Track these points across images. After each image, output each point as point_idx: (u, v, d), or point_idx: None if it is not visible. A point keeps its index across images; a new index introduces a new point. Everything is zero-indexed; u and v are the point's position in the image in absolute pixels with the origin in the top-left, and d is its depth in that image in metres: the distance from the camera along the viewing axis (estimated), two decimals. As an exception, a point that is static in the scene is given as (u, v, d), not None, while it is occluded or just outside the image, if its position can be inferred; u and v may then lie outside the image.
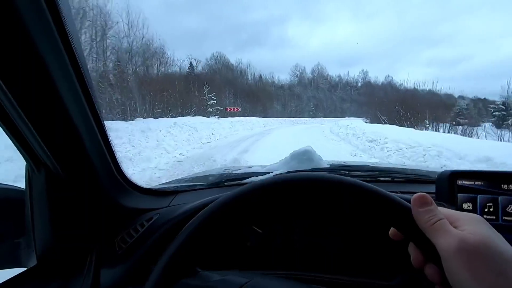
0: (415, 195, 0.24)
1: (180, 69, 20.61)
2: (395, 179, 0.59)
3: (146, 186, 0.53)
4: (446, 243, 0.20)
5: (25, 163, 0.39)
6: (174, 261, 0.26)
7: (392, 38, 63.19)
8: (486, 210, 0.42)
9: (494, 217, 0.41)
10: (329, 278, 0.42)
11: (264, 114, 23.64)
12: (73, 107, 0.34)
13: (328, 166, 0.65)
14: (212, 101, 16.02)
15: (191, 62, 25.16)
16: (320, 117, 32.34)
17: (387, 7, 66.82)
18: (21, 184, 0.41)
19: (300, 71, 47.03)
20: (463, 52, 60.39)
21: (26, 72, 0.29)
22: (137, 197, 0.50)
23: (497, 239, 0.20)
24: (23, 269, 0.40)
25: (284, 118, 20.80)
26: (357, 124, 10.19)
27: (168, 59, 17.91)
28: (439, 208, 0.23)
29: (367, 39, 63.33)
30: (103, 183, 0.43)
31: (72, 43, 0.30)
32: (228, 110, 17.38)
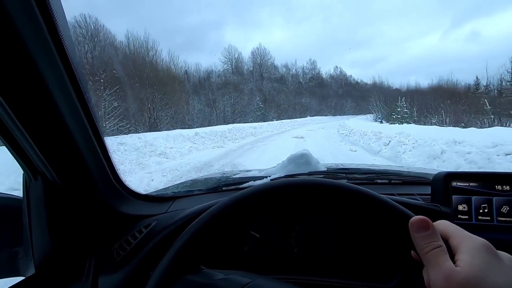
0: (413, 218, 0.33)
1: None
2: (392, 181, 0.87)
3: (143, 192, 0.75)
4: (434, 277, 0.29)
5: (22, 172, 0.57)
6: (179, 257, 0.42)
7: (320, 42, 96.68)
8: (480, 211, 0.61)
9: (489, 218, 0.60)
10: (327, 282, 0.63)
11: (151, 126, 17.94)
12: (69, 115, 0.50)
13: (325, 169, 0.94)
14: None
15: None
16: (273, 119, 32.15)
17: (314, 13, 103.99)
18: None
19: (236, 56, 48.09)
20: (379, 54, 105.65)
21: (21, 81, 0.43)
22: (135, 204, 0.71)
23: (491, 274, 0.27)
24: (21, 278, 0.57)
25: (209, 128, 13.85)
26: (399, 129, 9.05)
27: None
28: (445, 225, 0.34)
29: (300, 43, 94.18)
30: (100, 191, 0.63)
31: (66, 51, 0.44)
32: None
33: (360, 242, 0.66)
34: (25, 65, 0.41)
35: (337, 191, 0.44)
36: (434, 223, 0.34)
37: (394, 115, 21.03)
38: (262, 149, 8.92)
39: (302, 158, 0.99)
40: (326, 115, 46.95)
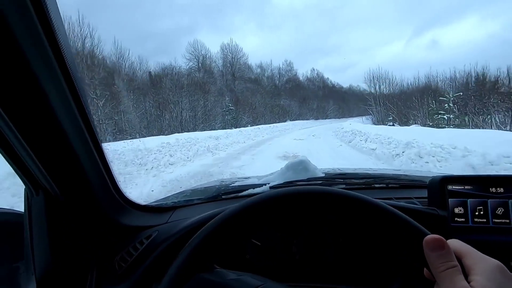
0: (428, 237, 0.35)
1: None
2: (390, 185, 0.91)
3: (143, 203, 0.79)
4: None
5: (24, 186, 0.59)
6: (195, 255, 0.45)
7: (293, 48, 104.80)
8: (476, 213, 0.65)
9: (485, 220, 0.65)
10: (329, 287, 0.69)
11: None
12: (71, 129, 0.52)
13: (323, 175, 1.00)
14: None
15: None
16: (247, 124, 29.45)
17: (286, 21, 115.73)
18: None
19: (204, 52, 43.79)
20: (349, 60, 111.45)
21: (23, 95, 0.45)
22: (135, 215, 0.75)
23: None
24: None
25: (123, 143, 9.20)
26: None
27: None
28: (459, 244, 0.36)
29: (274, 49, 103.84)
30: (101, 203, 0.66)
31: (67, 63, 0.46)
32: None
33: (361, 248, 0.70)
34: (26, 76, 0.44)
35: (353, 202, 0.46)
36: (447, 241, 0.36)
37: (441, 113, 15.10)
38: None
39: (300, 164, 1.03)
40: (308, 119, 43.63)
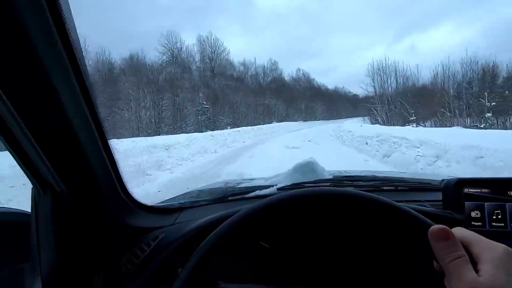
0: (432, 227, 0.36)
1: None
2: (399, 188, 0.94)
3: (150, 204, 0.81)
4: None
5: (31, 186, 0.61)
6: (195, 274, 0.45)
7: (277, 50, 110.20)
8: (494, 217, 0.66)
9: (502, 224, 0.66)
10: None
11: None
12: (80, 127, 0.55)
13: (331, 177, 1.04)
14: None
15: None
16: (226, 126, 27.41)
17: (270, 24, 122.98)
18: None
19: (179, 45, 40.53)
20: (331, 64, 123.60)
21: (33, 92, 0.47)
22: (141, 216, 0.76)
23: None
24: None
25: None
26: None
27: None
28: (464, 233, 0.36)
29: (257, 51, 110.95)
30: (108, 203, 0.69)
31: (78, 60, 0.48)
32: None
33: (374, 248, 0.72)
34: (36, 73, 0.45)
35: (361, 201, 0.50)
36: (452, 230, 0.37)
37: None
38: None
39: (308, 166, 1.05)
40: (296, 120, 42.90)
